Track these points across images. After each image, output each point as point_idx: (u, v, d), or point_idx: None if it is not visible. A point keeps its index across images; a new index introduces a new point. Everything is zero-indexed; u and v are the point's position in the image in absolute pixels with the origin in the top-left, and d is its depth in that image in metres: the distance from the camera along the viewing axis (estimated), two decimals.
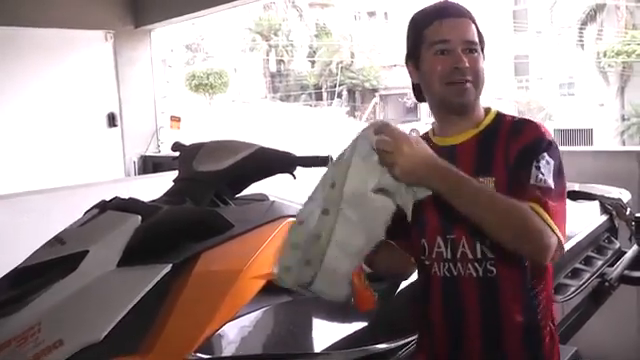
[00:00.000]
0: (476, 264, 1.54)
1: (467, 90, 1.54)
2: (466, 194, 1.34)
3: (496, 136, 1.56)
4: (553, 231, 1.38)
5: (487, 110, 1.64)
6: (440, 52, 1.54)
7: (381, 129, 1.32)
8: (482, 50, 1.58)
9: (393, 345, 1.87)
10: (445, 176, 1.33)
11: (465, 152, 1.57)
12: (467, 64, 1.52)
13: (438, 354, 1.66)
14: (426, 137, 1.62)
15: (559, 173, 1.47)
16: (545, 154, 1.47)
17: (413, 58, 1.62)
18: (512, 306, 1.55)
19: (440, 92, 1.56)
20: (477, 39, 1.57)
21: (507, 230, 1.36)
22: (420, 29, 1.58)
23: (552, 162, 1.47)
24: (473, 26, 1.57)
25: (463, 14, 1.57)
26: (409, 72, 1.66)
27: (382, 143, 1.30)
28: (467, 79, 1.53)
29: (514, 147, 1.51)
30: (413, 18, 1.63)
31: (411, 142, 1.32)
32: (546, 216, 1.38)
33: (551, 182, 1.43)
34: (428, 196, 1.36)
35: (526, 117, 1.63)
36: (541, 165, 1.45)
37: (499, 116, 1.62)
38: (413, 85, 1.67)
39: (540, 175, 1.43)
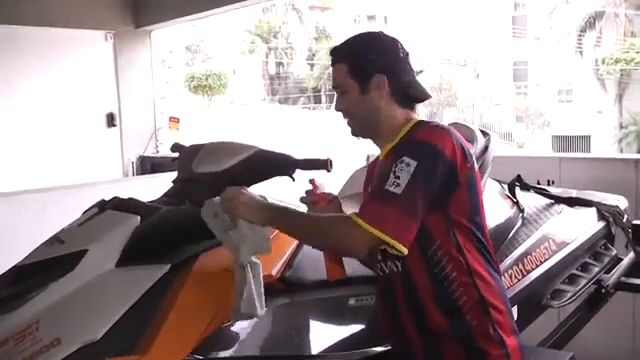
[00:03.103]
0: (396, 261, 1.70)
1: (351, 128, 1.79)
2: (289, 223, 1.70)
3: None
4: (369, 232, 1.56)
5: (410, 122, 1.74)
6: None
7: (225, 194, 1.70)
8: (363, 79, 1.72)
9: (389, 348, 1.87)
10: (273, 212, 1.69)
11: (383, 165, 1.71)
12: (341, 106, 1.77)
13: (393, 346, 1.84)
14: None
15: (418, 175, 1.58)
16: (405, 157, 1.60)
17: None
18: (427, 295, 1.68)
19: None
20: (343, 80, 1.74)
21: (320, 241, 1.69)
22: None
23: (413, 164, 1.58)
24: (343, 67, 1.75)
25: (335, 61, 1.78)
26: None
27: (227, 204, 1.69)
28: (346, 118, 1.78)
29: (393, 151, 1.69)
30: None
31: (245, 196, 1.69)
32: (361, 223, 1.57)
33: (402, 187, 1.57)
34: None
35: (431, 122, 1.74)
36: (397, 169, 1.59)
37: (414, 126, 1.73)
38: None
39: (394, 179, 1.58)
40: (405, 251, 1.58)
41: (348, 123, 1.79)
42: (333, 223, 1.67)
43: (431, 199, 1.61)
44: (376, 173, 1.78)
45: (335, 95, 1.79)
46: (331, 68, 1.80)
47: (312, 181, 1.84)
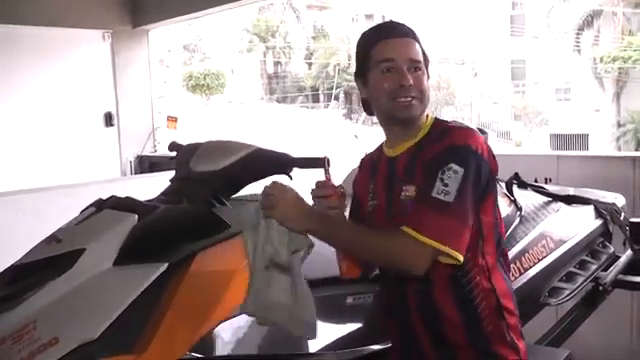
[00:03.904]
0: None
1: (412, 106, 1.65)
2: (335, 236, 1.58)
3: (424, 145, 1.66)
4: (429, 245, 1.49)
5: (427, 119, 1.71)
6: (386, 70, 1.65)
7: (268, 188, 1.57)
8: (427, 68, 1.69)
9: (387, 346, 1.87)
10: (317, 222, 1.56)
11: (400, 162, 1.69)
12: (411, 82, 1.63)
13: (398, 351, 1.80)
14: (380, 147, 1.80)
15: (466, 181, 1.53)
16: (453, 164, 1.53)
17: (361, 75, 1.72)
18: (445, 299, 1.64)
19: (387, 107, 1.67)
20: (421, 58, 1.67)
21: (375, 259, 1.63)
22: (367, 48, 1.69)
23: (461, 171, 1.53)
24: (417, 45, 1.68)
25: (407, 34, 1.68)
26: (358, 88, 1.77)
27: (266, 199, 1.55)
28: (412, 95, 1.64)
29: (428, 155, 1.60)
30: (361, 37, 1.74)
31: (290, 196, 1.55)
32: (419, 236, 1.49)
33: (453, 194, 1.51)
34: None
35: (458, 123, 1.69)
36: (445, 177, 1.52)
37: (434, 124, 1.70)
38: (362, 100, 1.77)
39: (442, 187, 1.52)
40: (462, 259, 1.52)
41: (412, 100, 1.64)
42: (387, 239, 1.55)
43: (476, 204, 1.58)
44: (385, 168, 1.73)
45: (397, 69, 1.64)
46: (391, 41, 1.66)
47: (327, 173, 1.76)
